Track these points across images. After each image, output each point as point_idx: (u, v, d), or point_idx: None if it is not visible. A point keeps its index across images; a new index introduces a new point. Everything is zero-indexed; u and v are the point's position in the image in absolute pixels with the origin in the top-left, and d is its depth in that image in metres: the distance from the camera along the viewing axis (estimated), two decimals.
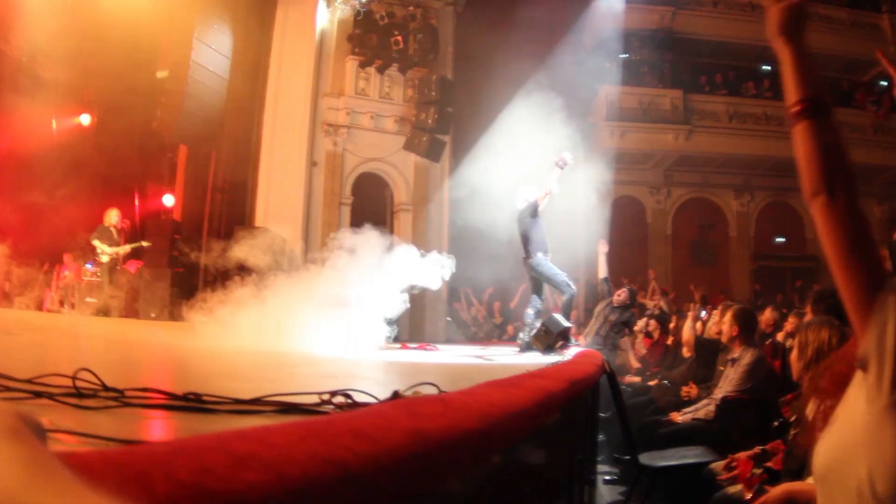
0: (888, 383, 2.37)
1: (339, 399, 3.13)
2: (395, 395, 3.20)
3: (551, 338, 13.48)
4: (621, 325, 15.63)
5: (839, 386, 2.78)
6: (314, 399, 3.12)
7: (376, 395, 3.25)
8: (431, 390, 3.41)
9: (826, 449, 2.66)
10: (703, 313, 16.22)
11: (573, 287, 13.86)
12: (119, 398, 3.01)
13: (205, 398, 3.06)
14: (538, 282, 14.13)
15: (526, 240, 13.90)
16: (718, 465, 7.50)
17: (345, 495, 1.24)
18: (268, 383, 4.89)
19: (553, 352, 12.61)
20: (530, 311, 14.02)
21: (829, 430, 2.70)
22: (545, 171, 14.09)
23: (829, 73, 31.44)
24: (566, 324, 13.49)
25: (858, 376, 2.56)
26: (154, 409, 2.96)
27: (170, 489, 0.96)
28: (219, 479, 1.03)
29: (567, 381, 3.77)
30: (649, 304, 21.30)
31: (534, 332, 13.14)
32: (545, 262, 13.73)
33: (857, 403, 2.52)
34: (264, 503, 1.06)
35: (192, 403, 3.03)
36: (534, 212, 13.88)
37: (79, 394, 3.01)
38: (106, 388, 3.14)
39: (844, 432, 2.57)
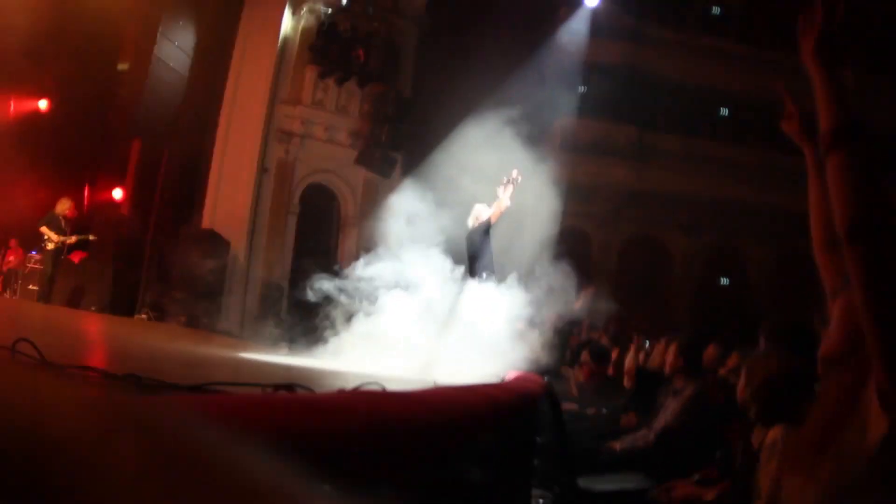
0: None
1: (282, 392, 3.09)
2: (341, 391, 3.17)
3: None
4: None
5: (819, 441, 2.73)
6: (257, 391, 3.08)
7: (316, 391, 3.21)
8: (377, 388, 3.38)
9: (822, 496, 2.61)
10: (647, 344, 16.27)
11: None
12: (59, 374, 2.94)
13: (144, 381, 3.01)
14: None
15: (473, 259, 13.94)
16: (657, 491, 7.52)
17: (310, 469, 1.20)
18: (209, 374, 4.86)
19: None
20: None
21: (818, 480, 2.63)
22: (495, 191, 14.14)
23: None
24: None
25: (859, 427, 2.50)
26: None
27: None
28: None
29: (513, 393, 3.77)
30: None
31: None
32: (487, 283, 13.74)
33: (861, 457, 2.46)
34: None
35: (131, 384, 2.98)
36: (486, 230, 13.93)
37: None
38: (45, 362, 3.09)
39: (847, 484, 2.52)
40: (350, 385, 3.64)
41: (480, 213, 14.28)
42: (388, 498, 1.85)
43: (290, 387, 3.15)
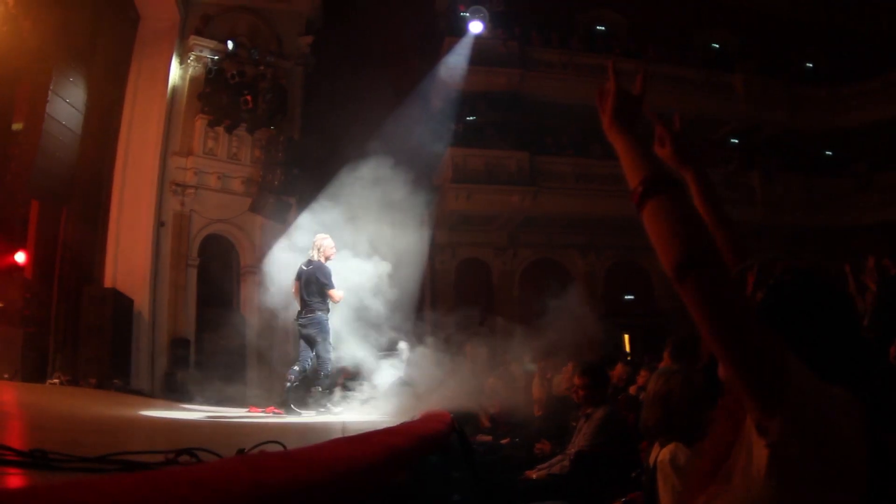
0: (801, 464, 2.35)
1: (184, 458, 3.09)
2: (241, 453, 3.17)
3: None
4: None
5: (712, 465, 2.76)
6: (160, 458, 3.08)
7: (221, 454, 3.20)
8: (277, 448, 3.38)
9: None
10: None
11: (332, 362, 14.01)
12: None
13: (50, 455, 3.00)
14: (311, 338, 13.97)
15: (314, 292, 13.96)
16: None
17: None
18: (118, 441, 4.84)
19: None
20: (295, 368, 13.93)
21: None
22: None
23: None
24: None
25: (745, 453, 2.52)
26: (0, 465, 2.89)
27: None
28: None
29: (415, 437, 3.77)
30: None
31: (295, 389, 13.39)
32: (327, 324, 13.90)
33: (751, 482, 2.46)
34: None
35: (37, 460, 2.97)
36: (328, 277, 14.11)
37: None
38: None
39: None
40: (252, 443, 3.64)
41: (325, 245, 14.46)
42: None
43: (191, 452, 3.15)
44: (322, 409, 13.15)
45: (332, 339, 13.77)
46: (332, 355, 13.64)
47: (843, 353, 2.65)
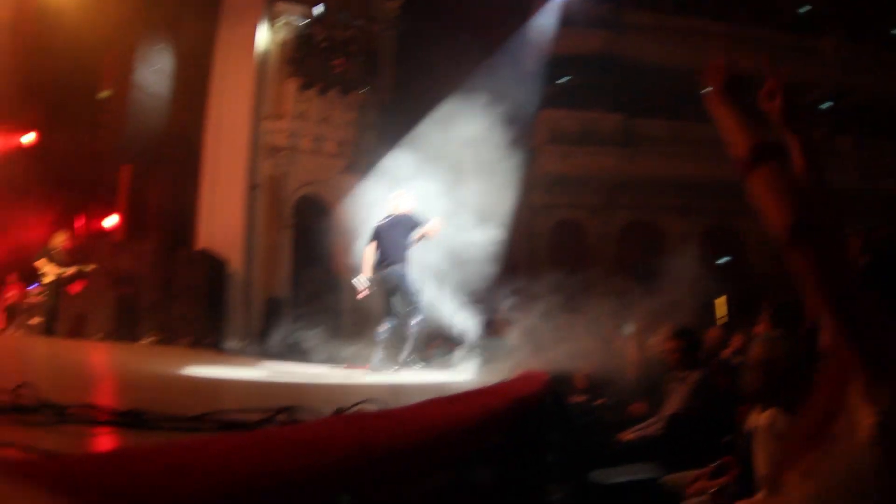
0: None
1: (281, 416, 3.08)
2: (339, 411, 3.16)
3: (491, 359, 13.52)
4: None
5: (813, 431, 2.71)
6: (256, 416, 3.07)
7: (320, 413, 3.19)
8: (374, 407, 3.36)
9: (818, 494, 2.60)
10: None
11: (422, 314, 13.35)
12: (60, 414, 2.96)
13: (146, 415, 3.00)
14: (395, 291, 13.51)
15: (390, 244, 13.46)
16: (670, 480, 7.48)
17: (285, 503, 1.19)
18: (212, 401, 4.86)
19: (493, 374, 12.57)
20: (386, 326, 13.42)
21: (813, 475, 2.62)
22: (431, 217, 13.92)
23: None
24: (505, 344, 13.48)
25: (850, 420, 2.48)
26: (95, 426, 2.90)
27: (98, 497, 0.91)
28: (148, 489, 0.98)
29: (511, 399, 3.74)
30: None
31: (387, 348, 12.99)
32: (408, 274, 13.34)
33: (854, 448, 2.45)
34: None
35: (132, 420, 2.97)
36: (409, 225, 13.58)
37: (20, 408, 2.95)
38: (47, 404, 3.09)
39: (842, 478, 2.51)
40: (349, 402, 3.62)
41: (402, 201, 14.01)
42: None
43: (289, 410, 3.14)
44: (417, 366, 12.94)
45: (417, 287, 13.40)
46: (421, 304, 13.22)
47: None
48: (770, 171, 2.54)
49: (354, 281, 13.79)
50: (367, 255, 13.81)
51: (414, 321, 13.03)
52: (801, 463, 2.67)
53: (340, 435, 1.56)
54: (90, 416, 2.99)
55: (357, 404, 3.53)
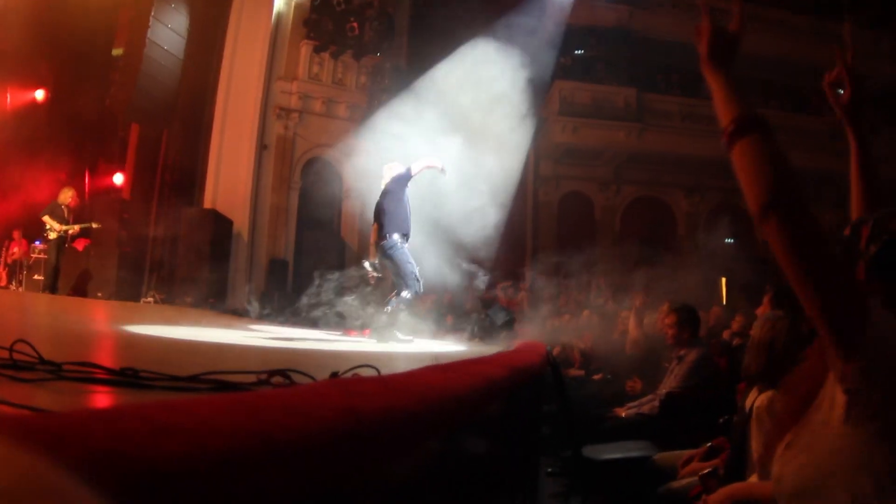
0: (876, 409, 2.35)
1: (276, 379, 3.09)
2: (334, 376, 3.17)
3: (496, 329, 13.44)
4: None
5: (797, 408, 2.74)
6: (252, 378, 3.08)
7: (315, 376, 3.20)
8: (371, 373, 3.37)
9: (795, 470, 2.63)
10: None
11: (419, 285, 12.77)
12: (56, 371, 2.97)
13: (141, 374, 3.02)
14: (390, 263, 13.00)
15: (381, 215, 12.94)
16: (662, 459, 7.51)
17: (271, 469, 1.19)
18: (211, 361, 4.88)
19: (497, 344, 12.50)
20: (391, 298, 12.88)
21: (794, 449, 2.67)
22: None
23: (787, 80, 31.77)
24: (509, 315, 13.41)
25: (829, 397, 2.53)
26: (90, 384, 2.91)
27: (84, 454, 0.91)
28: (135, 446, 0.99)
29: (509, 369, 3.74)
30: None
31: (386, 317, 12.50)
32: (399, 246, 12.72)
33: (829, 426, 2.50)
34: (183, 472, 1.01)
35: (128, 378, 2.99)
36: (398, 179, 13.01)
37: (15, 365, 2.96)
38: (43, 361, 3.10)
39: (818, 454, 2.55)
40: (347, 366, 3.64)
41: (393, 169, 13.29)
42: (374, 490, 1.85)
43: (284, 373, 3.15)
44: (407, 338, 12.71)
45: (409, 259, 12.99)
46: (412, 278, 12.87)
47: None
48: (750, 144, 2.57)
49: (365, 265, 13.59)
50: (372, 237, 13.50)
51: (404, 293, 12.56)
52: (786, 437, 2.70)
53: (330, 398, 1.56)
54: (86, 374, 3.00)
55: (352, 369, 3.55)
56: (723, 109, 2.74)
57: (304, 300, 17.58)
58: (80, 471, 0.87)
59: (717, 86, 2.82)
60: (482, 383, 2.83)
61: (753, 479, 5.25)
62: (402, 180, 12.95)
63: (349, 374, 3.24)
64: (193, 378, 3.05)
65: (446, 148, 15.91)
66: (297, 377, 3.16)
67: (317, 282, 17.40)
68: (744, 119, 2.61)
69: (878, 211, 2.93)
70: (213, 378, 3.06)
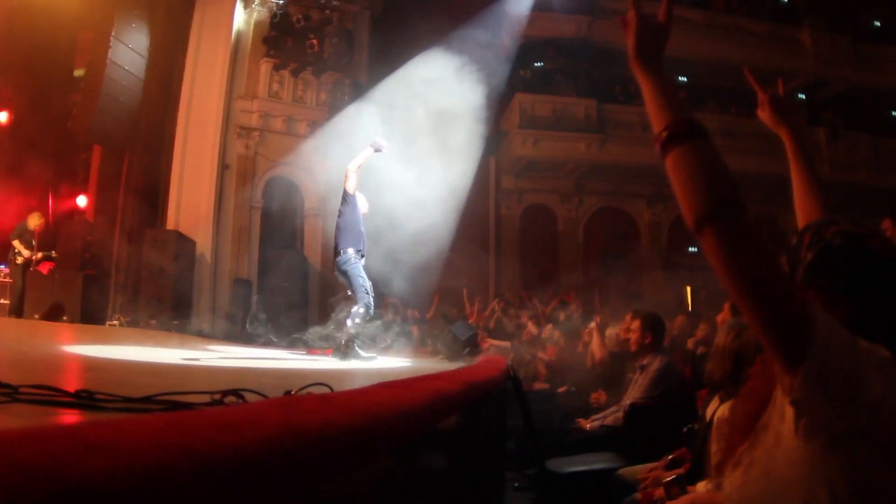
0: (824, 419, 2.31)
1: (230, 398, 3.11)
2: (286, 394, 3.19)
3: (459, 344, 13.44)
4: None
5: (749, 421, 2.72)
6: (206, 398, 3.10)
7: (268, 395, 3.22)
8: (324, 391, 3.39)
9: (747, 486, 2.61)
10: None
11: (370, 298, 12.57)
12: (11, 394, 2.99)
13: (97, 396, 3.04)
14: (345, 278, 12.85)
15: (336, 232, 12.90)
16: (627, 472, 7.53)
17: (200, 486, 1.21)
18: (169, 382, 4.90)
19: (460, 359, 12.50)
20: (354, 310, 12.59)
21: (745, 464, 2.63)
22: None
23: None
24: (472, 330, 13.40)
25: (778, 410, 2.51)
26: (45, 406, 2.93)
27: (10, 472, 0.93)
28: (62, 465, 1.00)
29: (464, 384, 3.74)
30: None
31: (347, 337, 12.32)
32: (353, 261, 12.63)
33: (781, 439, 2.46)
34: (110, 490, 1.03)
35: (83, 400, 3.01)
36: (343, 197, 12.91)
37: None
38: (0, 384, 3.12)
39: (770, 468, 2.52)
40: (299, 385, 3.66)
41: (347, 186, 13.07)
42: None
43: (237, 393, 3.17)
44: (365, 354, 12.55)
45: (360, 275, 12.82)
46: (364, 293, 12.72)
47: (888, 318, 2.58)
48: (684, 153, 2.45)
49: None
50: None
51: (356, 308, 12.45)
52: (734, 453, 2.69)
53: (268, 416, 1.57)
54: (42, 396, 3.02)
55: (305, 387, 3.57)
56: (655, 114, 2.58)
57: (267, 320, 17.56)
58: (5, 490, 0.89)
59: (647, 87, 2.65)
60: (433, 399, 2.84)
61: (701, 485, 5.29)
62: (347, 197, 12.91)
63: (302, 393, 3.26)
64: (147, 399, 3.07)
65: (408, 158, 15.92)
66: (250, 396, 3.17)
67: (279, 301, 17.41)
68: (678, 125, 2.48)
69: (821, 218, 2.93)
70: (166, 399, 3.08)
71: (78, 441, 1.10)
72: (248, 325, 21.41)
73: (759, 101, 3.73)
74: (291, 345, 16.51)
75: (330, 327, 14.11)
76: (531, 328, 17.85)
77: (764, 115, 3.68)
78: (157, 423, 1.29)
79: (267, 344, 17.46)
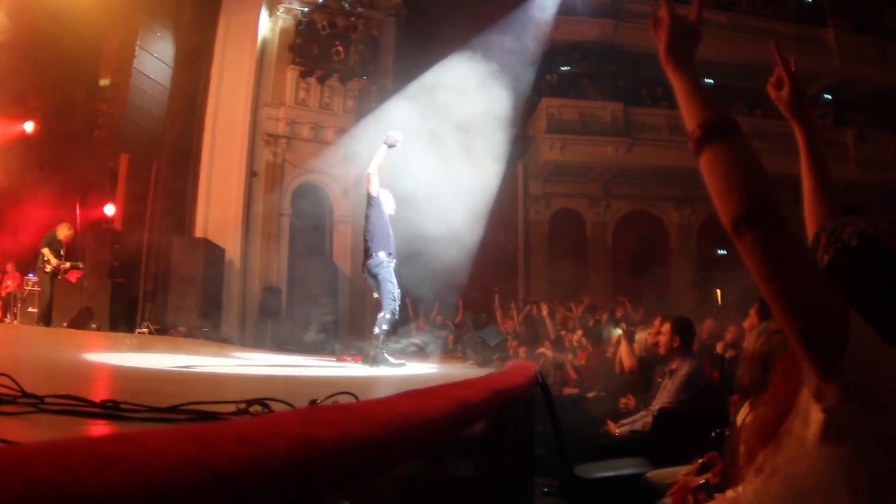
0: (855, 427, 2.27)
1: (255, 408, 3.10)
2: (312, 403, 3.18)
3: (489, 350, 13.40)
4: None
5: (770, 426, 2.71)
6: (231, 408, 3.09)
7: (294, 404, 3.20)
8: (350, 399, 3.38)
9: (768, 492, 2.58)
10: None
11: (396, 303, 12.42)
12: (37, 404, 2.99)
13: (122, 405, 3.03)
14: (375, 282, 12.65)
15: (366, 236, 12.72)
16: (655, 476, 7.48)
17: (216, 500, 1.21)
18: (197, 391, 4.89)
19: (490, 365, 12.44)
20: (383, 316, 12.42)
21: (766, 471, 2.60)
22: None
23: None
24: (501, 335, 13.36)
25: (802, 416, 2.46)
26: (71, 416, 2.93)
27: (24, 486, 0.93)
28: (77, 479, 1.00)
29: (490, 391, 3.73)
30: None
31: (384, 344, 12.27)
32: (385, 264, 12.47)
33: (804, 446, 2.42)
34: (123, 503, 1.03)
35: (108, 411, 3.00)
36: (368, 200, 12.74)
37: None
38: (25, 395, 3.12)
39: (792, 475, 2.49)
40: (325, 394, 3.65)
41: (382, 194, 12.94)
42: None
43: (263, 402, 3.16)
44: (393, 361, 12.41)
45: (389, 279, 12.73)
46: (391, 298, 12.59)
47: None
48: (719, 151, 2.40)
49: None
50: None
51: (381, 314, 12.28)
52: (759, 458, 2.66)
53: (288, 427, 1.57)
54: (67, 406, 3.02)
55: (331, 396, 3.55)
56: (688, 112, 2.55)
57: (298, 327, 17.55)
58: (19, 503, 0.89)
59: (680, 84, 2.62)
60: (457, 408, 2.82)
61: (729, 493, 5.25)
62: (371, 200, 12.75)
63: (328, 402, 3.26)
64: (173, 409, 3.07)
65: (435, 164, 15.86)
66: (276, 405, 3.16)
67: (309, 309, 17.38)
68: (713, 123, 2.43)
69: (836, 220, 2.88)
70: (191, 408, 3.07)
71: (94, 454, 1.10)
72: (276, 332, 21.45)
73: (775, 79, 3.61)
74: (320, 351, 16.48)
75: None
76: (561, 333, 17.84)
77: (777, 94, 3.59)
78: (175, 436, 1.29)
79: (296, 350, 17.43)
